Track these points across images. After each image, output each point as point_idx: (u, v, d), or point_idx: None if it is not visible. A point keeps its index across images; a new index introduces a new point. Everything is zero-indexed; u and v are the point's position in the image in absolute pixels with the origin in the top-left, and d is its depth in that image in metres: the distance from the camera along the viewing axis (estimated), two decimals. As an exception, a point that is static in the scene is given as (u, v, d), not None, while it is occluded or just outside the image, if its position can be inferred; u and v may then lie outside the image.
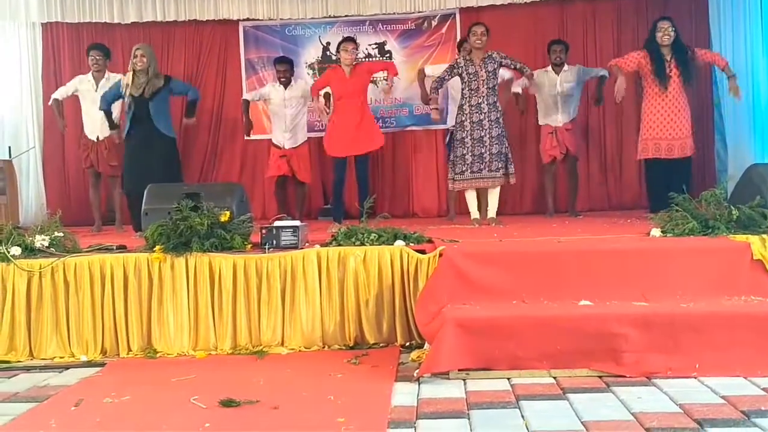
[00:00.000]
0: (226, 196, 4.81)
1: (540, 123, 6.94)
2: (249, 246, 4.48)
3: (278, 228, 4.47)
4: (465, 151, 5.88)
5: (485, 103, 5.85)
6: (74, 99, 7.06)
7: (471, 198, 6.00)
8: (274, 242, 4.42)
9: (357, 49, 6.61)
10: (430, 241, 4.47)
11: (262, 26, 7.99)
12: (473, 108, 5.87)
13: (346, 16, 7.84)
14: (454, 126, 6.15)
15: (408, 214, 7.75)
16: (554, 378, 3.48)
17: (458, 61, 6.05)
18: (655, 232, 4.38)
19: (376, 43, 7.94)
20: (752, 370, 3.42)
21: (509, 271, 4.03)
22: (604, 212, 7.34)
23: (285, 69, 7.10)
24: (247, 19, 7.89)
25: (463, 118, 5.92)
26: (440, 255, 4.13)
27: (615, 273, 3.97)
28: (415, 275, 4.23)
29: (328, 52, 7.93)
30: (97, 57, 6.78)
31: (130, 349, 4.32)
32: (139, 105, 6.07)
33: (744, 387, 3.28)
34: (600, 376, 3.47)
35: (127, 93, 6.08)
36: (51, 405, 3.35)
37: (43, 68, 7.85)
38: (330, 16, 7.85)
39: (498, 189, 5.97)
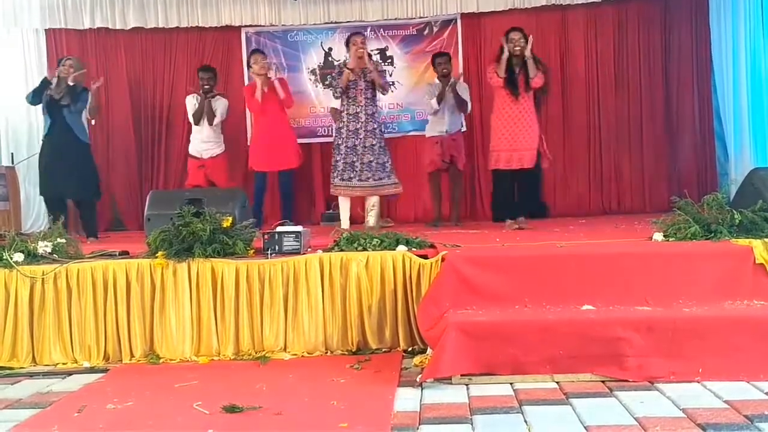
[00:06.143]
0: (229, 202, 4.82)
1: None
2: (251, 251, 4.48)
3: (281, 233, 4.47)
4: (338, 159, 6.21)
5: (363, 113, 6.06)
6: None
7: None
8: (277, 248, 4.42)
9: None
10: (432, 246, 4.46)
11: (263, 32, 8.03)
12: (351, 117, 6.11)
13: (347, 21, 7.87)
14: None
15: (410, 219, 7.75)
16: (557, 383, 3.47)
17: None
18: (658, 236, 4.38)
19: (378, 49, 7.96)
20: (755, 375, 3.41)
21: (511, 275, 4.03)
22: (605, 217, 7.34)
23: (209, 77, 7.19)
24: (249, 26, 7.93)
25: (341, 126, 6.23)
26: (442, 260, 4.13)
27: (617, 277, 3.96)
28: (418, 280, 4.22)
29: (330, 58, 7.95)
30: None
31: (132, 355, 4.32)
32: (55, 108, 6.43)
33: (747, 391, 3.28)
34: (603, 381, 3.47)
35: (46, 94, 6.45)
36: (54, 411, 3.35)
37: (47, 75, 7.87)
38: (332, 22, 7.89)
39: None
